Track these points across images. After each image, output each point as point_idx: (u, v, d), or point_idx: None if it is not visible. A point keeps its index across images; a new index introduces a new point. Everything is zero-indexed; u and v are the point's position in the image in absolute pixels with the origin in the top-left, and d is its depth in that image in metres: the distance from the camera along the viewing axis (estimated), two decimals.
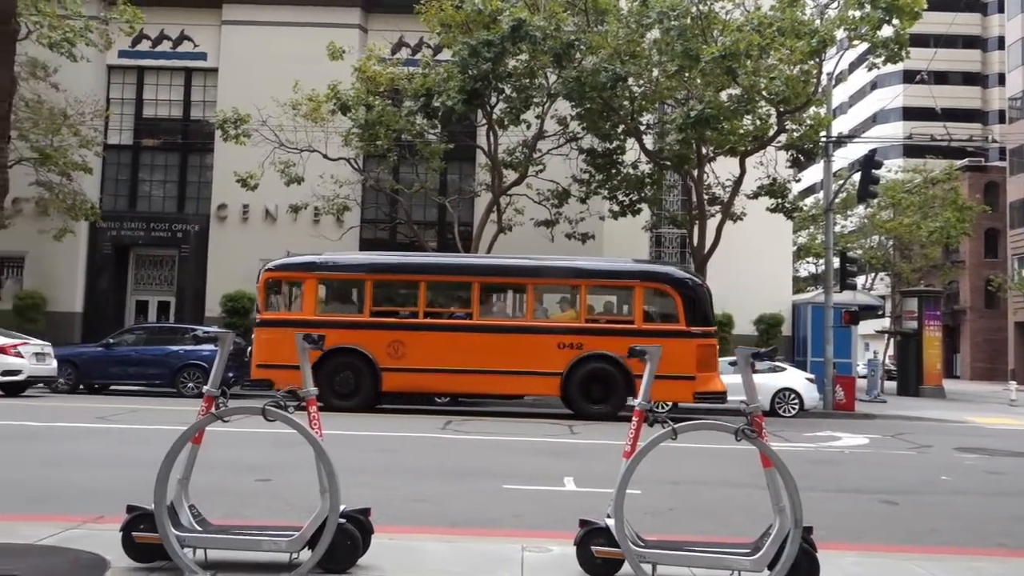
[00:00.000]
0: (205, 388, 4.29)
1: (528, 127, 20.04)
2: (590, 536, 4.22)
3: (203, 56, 25.70)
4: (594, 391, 14.63)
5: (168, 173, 26.17)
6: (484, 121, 20.49)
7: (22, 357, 15.84)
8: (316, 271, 15.36)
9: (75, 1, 20.21)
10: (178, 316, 24.78)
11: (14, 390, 16.05)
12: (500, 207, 20.87)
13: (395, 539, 4.91)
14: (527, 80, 19.30)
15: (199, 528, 4.25)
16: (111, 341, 18.00)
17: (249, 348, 15.33)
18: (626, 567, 4.12)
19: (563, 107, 20.19)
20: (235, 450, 8.65)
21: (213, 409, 4.22)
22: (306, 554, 4.17)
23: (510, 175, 20.83)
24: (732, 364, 17.61)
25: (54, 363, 16.71)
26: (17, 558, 4.24)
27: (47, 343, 17.06)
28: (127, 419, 12.23)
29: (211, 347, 15.50)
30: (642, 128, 20.33)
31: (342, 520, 4.19)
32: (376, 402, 14.97)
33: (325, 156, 20.59)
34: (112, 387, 17.69)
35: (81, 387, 17.35)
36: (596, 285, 15.58)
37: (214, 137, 22.58)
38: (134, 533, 4.17)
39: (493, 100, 19.70)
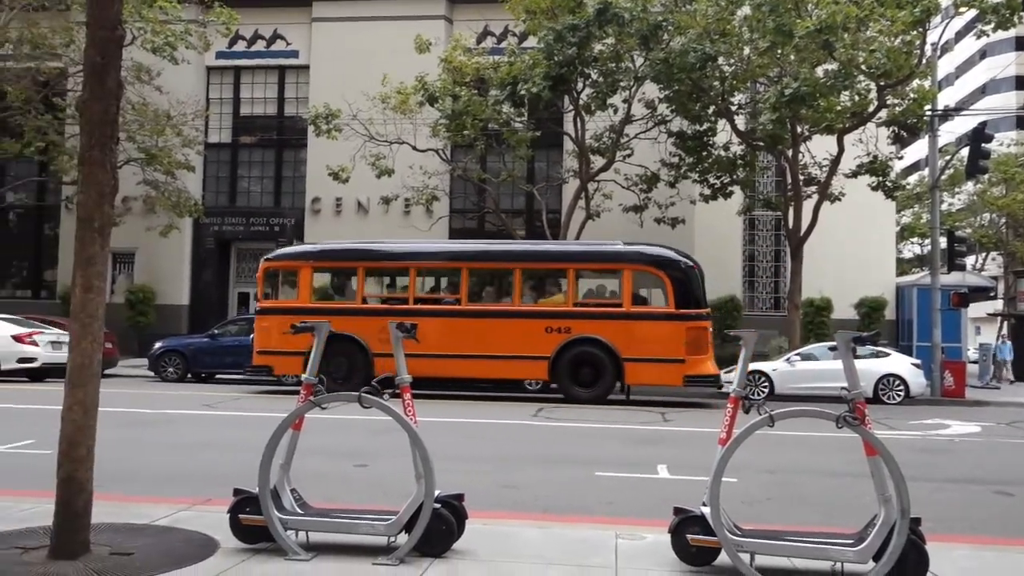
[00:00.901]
0: (303, 376, 4.43)
1: (615, 111, 19.80)
2: (685, 524, 4.16)
3: (295, 54, 26.43)
4: (583, 375, 14.56)
5: (265, 169, 27.09)
6: (571, 107, 20.35)
7: (37, 345, 16.96)
8: (311, 260, 15.87)
9: (175, 6, 21.08)
10: None
11: (36, 376, 17.15)
12: (588, 193, 20.72)
13: (488, 524, 4.96)
14: (614, 64, 19.05)
15: (301, 511, 4.40)
16: (216, 332, 18.80)
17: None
18: (723, 556, 4.05)
19: (651, 90, 19.86)
20: (334, 436, 8.91)
21: (312, 397, 4.35)
22: (403, 538, 4.25)
23: (598, 161, 20.65)
24: (832, 349, 17.07)
25: None
26: (135, 537, 4.48)
27: (64, 332, 17.78)
28: (231, 406, 12.77)
29: None
30: (733, 108, 19.81)
31: (437, 505, 4.26)
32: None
33: (414, 148, 20.87)
34: (217, 376, 18.47)
35: (189, 376, 18.19)
36: (584, 268, 15.46)
37: (307, 133, 23.20)
38: (240, 515, 4.34)
39: (579, 85, 19.54)
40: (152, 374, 18.37)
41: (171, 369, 18.08)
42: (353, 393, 4.30)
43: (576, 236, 20.42)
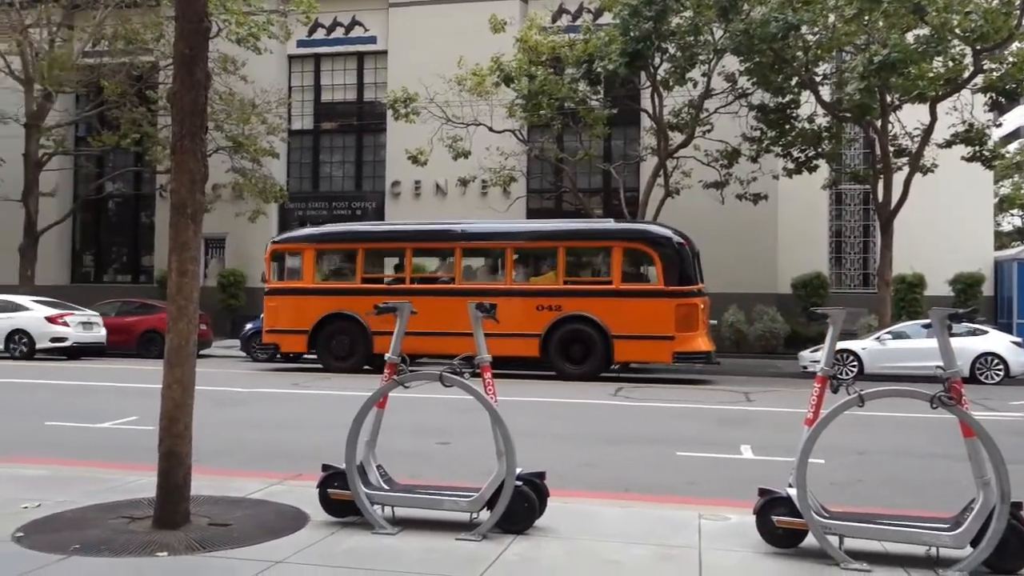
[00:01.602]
0: (387, 356, 4.52)
1: (694, 86, 19.37)
2: (770, 505, 4.09)
3: (373, 40, 26.75)
4: (573, 352, 14.74)
5: (345, 154, 27.61)
6: (648, 83, 20.01)
7: (68, 326, 18.19)
8: (314, 242, 16.47)
9: None
10: None
11: (72, 354, 18.48)
12: (667, 171, 20.39)
13: (569, 503, 4.99)
14: (692, 37, 18.60)
15: (386, 487, 4.51)
16: None
17: None
18: (810, 539, 3.98)
19: (731, 63, 19.34)
20: (417, 414, 9.08)
21: (395, 376, 4.45)
22: (485, 514, 4.32)
23: (676, 137, 20.28)
24: (926, 327, 16.42)
25: (102, 331, 18.92)
26: (231, 509, 4.68)
27: (96, 314, 19.26)
28: (318, 385, 13.15)
29: None
30: (818, 79, 19.11)
31: (518, 483, 4.31)
32: (369, 363, 15.66)
33: (490, 129, 20.91)
34: (304, 355, 19.00)
35: (278, 356, 18.76)
36: (574, 247, 15.59)
37: (386, 117, 23.49)
38: (329, 490, 4.49)
39: (656, 61, 19.18)
40: (244, 354, 19.05)
41: (261, 350, 18.72)
42: (435, 372, 4.38)
43: (655, 214, 20.14)
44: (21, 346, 18.17)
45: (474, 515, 4.37)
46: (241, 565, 3.76)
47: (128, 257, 28.95)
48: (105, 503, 4.79)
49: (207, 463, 5.77)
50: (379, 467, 4.56)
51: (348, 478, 4.34)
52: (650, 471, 6.77)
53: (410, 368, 4.48)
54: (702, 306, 14.83)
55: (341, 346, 15.79)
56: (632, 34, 17.76)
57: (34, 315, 18.33)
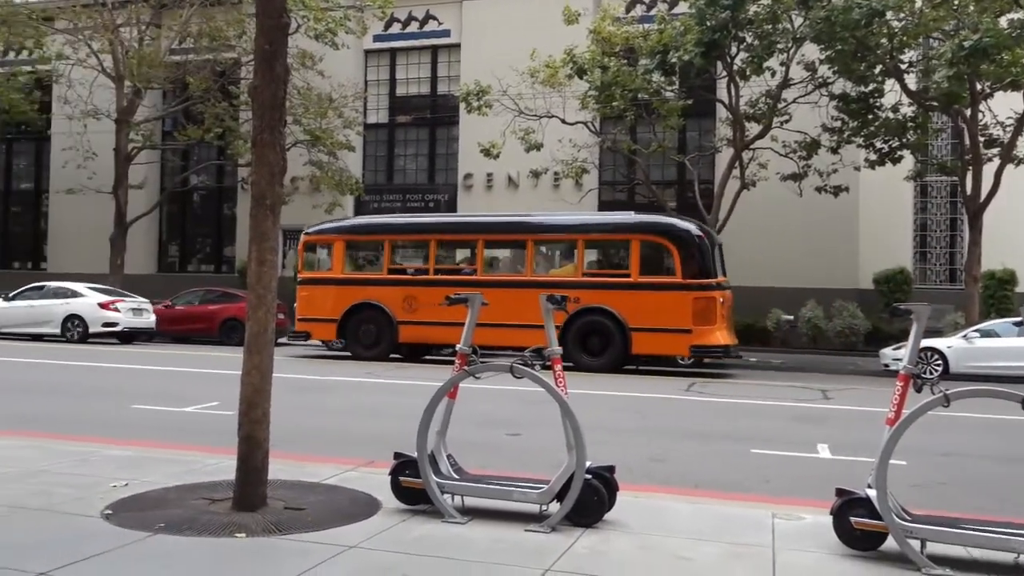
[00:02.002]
0: (458, 347, 4.56)
1: (772, 75, 18.91)
2: (848, 506, 3.97)
3: (447, 33, 26.96)
4: (591, 344, 14.81)
5: (419, 147, 27.94)
6: (724, 73, 19.62)
7: (119, 312, 19.33)
8: (343, 234, 17.08)
9: None
10: None
11: (125, 339, 19.86)
12: (743, 162, 19.98)
13: (639, 497, 4.95)
14: (770, 26, 18.16)
15: (456, 476, 4.56)
16: None
17: None
18: (889, 542, 3.85)
19: (811, 51, 18.80)
20: (488, 405, 9.14)
21: (466, 366, 4.48)
22: (555, 507, 4.32)
23: (753, 128, 19.84)
24: (1017, 325, 15.70)
25: (151, 317, 20.12)
26: (306, 493, 4.80)
27: (145, 300, 20.39)
28: (391, 374, 13.37)
29: None
30: (903, 67, 18.42)
31: (588, 476, 4.29)
32: (395, 352, 16.17)
33: (563, 121, 20.83)
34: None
35: None
36: (594, 240, 15.76)
37: (459, 110, 23.67)
38: (400, 478, 4.55)
39: (733, 50, 18.79)
40: (320, 343, 19.48)
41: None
42: (505, 364, 4.39)
43: (730, 206, 19.78)
44: (76, 330, 19.30)
45: (543, 507, 4.38)
46: (315, 548, 3.85)
47: (211, 247, 29.95)
48: (187, 484, 4.97)
49: (283, 448, 5.92)
50: (449, 456, 4.60)
51: (419, 467, 4.40)
52: (722, 468, 6.66)
53: (480, 359, 4.51)
54: (721, 300, 14.71)
55: (368, 335, 16.24)
56: (708, 23, 17.44)
57: (87, 301, 19.50)
